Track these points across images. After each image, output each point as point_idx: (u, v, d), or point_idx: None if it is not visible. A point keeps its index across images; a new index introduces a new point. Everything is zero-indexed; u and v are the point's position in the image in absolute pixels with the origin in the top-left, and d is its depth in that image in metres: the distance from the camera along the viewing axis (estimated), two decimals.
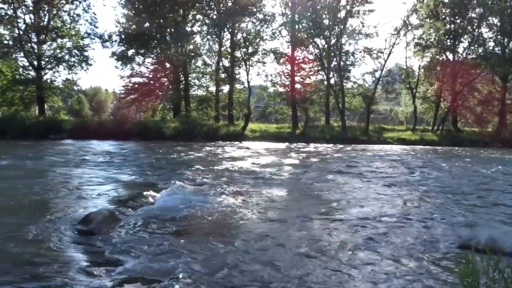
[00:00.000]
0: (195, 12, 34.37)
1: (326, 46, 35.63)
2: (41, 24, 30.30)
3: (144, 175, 8.92)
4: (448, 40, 36.93)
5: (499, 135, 31.42)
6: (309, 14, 34.57)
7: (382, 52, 35.96)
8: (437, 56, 38.03)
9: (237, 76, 35.84)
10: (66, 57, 31.59)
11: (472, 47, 37.17)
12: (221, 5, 34.04)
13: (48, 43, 30.96)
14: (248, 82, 34.47)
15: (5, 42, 29.59)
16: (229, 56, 34.95)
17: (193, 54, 34.70)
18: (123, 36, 32.27)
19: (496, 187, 8.15)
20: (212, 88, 36.72)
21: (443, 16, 36.65)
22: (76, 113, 40.59)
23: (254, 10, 33.63)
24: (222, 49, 35.05)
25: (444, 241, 4.16)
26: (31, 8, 29.99)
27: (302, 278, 3.10)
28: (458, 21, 36.46)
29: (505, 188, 8.03)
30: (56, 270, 3.16)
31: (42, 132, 23.16)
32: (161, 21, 31.74)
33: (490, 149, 24.70)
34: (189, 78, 34.82)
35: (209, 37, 35.56)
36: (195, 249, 3.74)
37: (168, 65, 32.77)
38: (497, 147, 26.88)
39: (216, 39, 34.95)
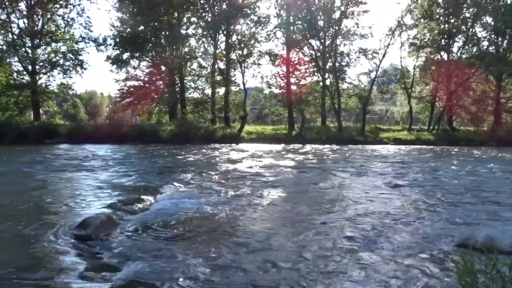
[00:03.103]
0: (190, 15, 34.39)
1: (321, 47, 35.71)
2: (35, 28, 30.20)
3: (141, 178, 8.89)
4: (443, 40, 37.13)
5: (495, 134, 31.55)
6: (303, 15, 34.65)
7: (377, 53, 36.08)
8: (432, 56, 38.22)
9: (232, 78, 35.91)
10: (61, 61, 31.51)
11: (467, 47, 37.37)
12: (216, 7, 34.08)
13: (43, 47, 30.88)
14: (244, 84, 34.53)
15: None
16: (224, 58, 34.95)
17: (188, 56, 34.69)
18: (117, 40, 32.19)
19: (493, 186, 8.18)
20: (208, 91, 36.76)
21: (437, 16, 36.83)
22: (72, 117, 40.43)
23: (249, 12, 33.67)
24: (217, 51, 35.06)
25: (442, 240, 4.17)
26: (25, 12, 29.91)
27: (301, 278, 3.10)
28: (452, 20, 36.64)
29: (501, 187, 8.06)
30: (53, 275, 3.14)
31: (38, 137, 23.08)
32: (156, 24, 31.71)
33: (485, 148, 24.79)
34: (185, 81, 34.81)
35: (204, 39, 35.57)
36: (193, 252, 3.74)
37: (163, 68, 32.75)
38: (492, 146, 26.97)
39: (211, 41, 34.96)
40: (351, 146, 24.57)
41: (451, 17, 36.52)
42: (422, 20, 36.58)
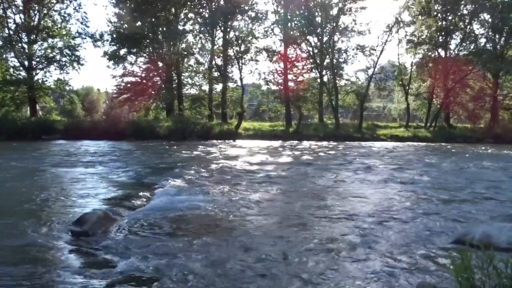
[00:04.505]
0: (187, 11, 34.27)
1: (318, 43, 35.69)
2: (32, 24, 30.05)
3: (138, 175, 8.87)
4: (440, 37, 37.15)
5: (491, 131, 31.65)
6: (301, 11, 34.60)
7: (375, 49, 36.10)
8: (429, 53, 38.24)
9: (230, 75, 35.82)
10: (58, 57, 31.41)
11: (464, 44, 37.45)
12: (213, 3, 33.95)
13: (39, 43, 30.77)
14: (241, 80, 34.47)
15: None
16: (221, 55, 34.87)
17: (185, 52, 34.60)
18: (114, 36, 32.07)
19: (489, 183, 8.20)
20: (205, 87, 36.69)
21: (435, 13, 36.83)
22: (68, 114, 40.30)
23: (246, 8, 33.59)
24: (215, 47, 34.98)
25: (439, 237, 4.18)
26: (21, 7, 29.75)
27: (297, 275, 3.10)
28: (450, 17, 36.67)
29: (498, 184, 8.09)
30: (50, 271, 3.13)
31: (35, 133, 22.98)
32: (153, 20, 31.59)
33: (482, 145, 24.88)
34: (182, 77, 34.73)
35: (201, 35, 35.50)
36: (190, 249, 3.73)
37: (160, 64, 32.64)
38: (489, 143, 27.09)
39: (209, 37, 34.89)
40: (348, 143, 24.59)
41: (449, 14, 36.53)
42: (419, 17, 36.59)
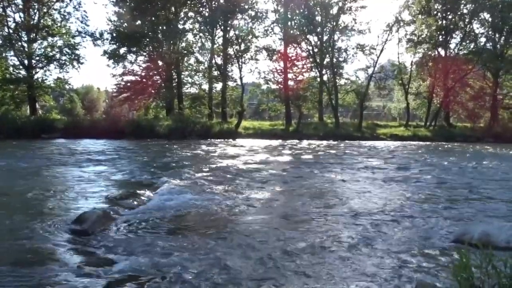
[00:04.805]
0: (187, 10, 34.23)
1: (318, 42, 35.67)
2: (31, 22, 30.00)
3: (138, 174, 8.87)
4: (440, 36, 37.14)
5: (491, 130, 31.67)
6: (301, 10, 34.59)
7: (375, 49, 36.10)
8: (429, 52, 38.22)
9: (230, 74, 35.80)
10: (57, 55, 31.36)
11: (464, 43, 37.44)
12: (213, 2, 33.92)
13: (39, 41, 30.73)
14: (241, 79, 34.44)
15: None
16: (221, 53, 34.84)
17: (185, 51, 34.57)
18: (114, 34, 32.04)
19: (489, 182, 8.20)
20: (205, 86, 36.68)
21: (435, 12, 36.82)
22: (68, 112, 40.25)
23: (246, 7, 33.55)
24: (215, 46, 34.95)
25: (438, 236, 4.18)
26: (21, 6, 29.71)
27: (298, 274, 3.10)
28: (450, 17, 36.66)
29: (497, 183, 8.09)
30: (50, 270, 3.13)
31: (34, 132, 22.98)
32: (153, 18, 31.56)
33: (482, 144, 24.89)
34: (182, 76, 34.70)
35: (201, 34, 35.46)
36: (189, 248, 3.73)
37: (160, 63, 32.61)
38: (489, 142, 27.11)
39: (209, 36, 34.85)
40: (348, 142, 24.60)
41: (449, 13, 36.52)
42: (419, 16, 36.58)
